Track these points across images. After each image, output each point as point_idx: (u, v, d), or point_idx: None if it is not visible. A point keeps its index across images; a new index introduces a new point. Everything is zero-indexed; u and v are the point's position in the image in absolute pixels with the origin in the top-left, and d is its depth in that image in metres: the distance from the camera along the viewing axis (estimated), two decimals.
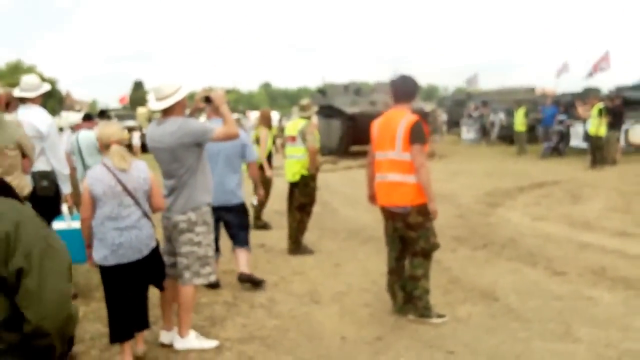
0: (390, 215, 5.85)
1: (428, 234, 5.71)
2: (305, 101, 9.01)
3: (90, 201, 4.71)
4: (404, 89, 5.88)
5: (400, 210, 5.68)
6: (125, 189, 4.64)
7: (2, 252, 2.06)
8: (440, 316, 5.77)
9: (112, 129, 4.81)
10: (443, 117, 22.51)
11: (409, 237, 5.75)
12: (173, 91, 5.06)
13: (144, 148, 28.71)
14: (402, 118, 5.66)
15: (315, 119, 12.74)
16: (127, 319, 4.85)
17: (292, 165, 8.61)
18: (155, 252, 4.89)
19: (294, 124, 8.87)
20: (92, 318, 6.01)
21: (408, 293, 5.85)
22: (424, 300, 5.77)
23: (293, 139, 8.60)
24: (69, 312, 2.18)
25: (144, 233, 4.72)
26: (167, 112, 5.10)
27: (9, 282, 2.07)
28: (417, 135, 5.53)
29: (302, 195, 8.61)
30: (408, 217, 5.65)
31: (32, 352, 2.13)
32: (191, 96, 5.74)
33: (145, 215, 4.75)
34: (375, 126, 5.98)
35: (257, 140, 10.40)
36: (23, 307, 2.08)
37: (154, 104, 5.10)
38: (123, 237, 4.65)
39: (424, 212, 5.64)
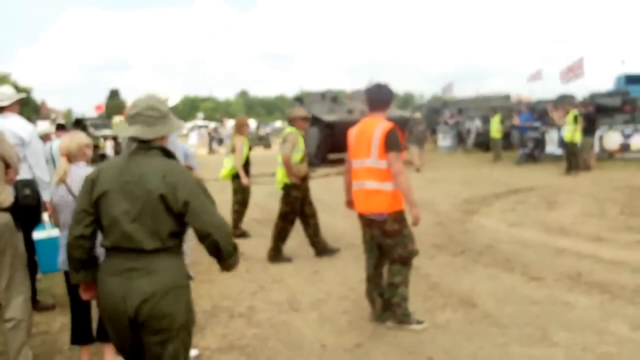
0: (367, 222, 5.86)
1: (405, 241, 5.72)
2: (296, 110, 9.02)
3: (54, 209, 4.88)
4: (378, 97, 5.91)
5: (377, 217, 5.68)
6: (74, 197, 4.65)
7: (171, 193, 3.09)
8: (419, 322, 5.79)
9: (64, 140, 4.90)
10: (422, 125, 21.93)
11: (386, 245, 5.77)
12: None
13: None
14: (377, 126, 5.69)
15: None
16: (83, 323, 4.93)
17: (277, 172, 8.67)
18: None
19: (283, 132, 8.91)
20: (69, 329, 5.95)
21: (387, 300, 5.86)
22: (403, 307, 5.78)
23: (281, 145, 8.67)
24: (223, 222, 3.17)
25: None
26: None
27: (176, 211, 3.11)
28: (392, 143, 5.56)
29: (284, 204, 8.63)
30: (384, 224, 5.66)
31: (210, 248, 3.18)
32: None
33: None
34: (352, 134, 6.00)
35: (234, 149, 10.40)
36: (192, 222, 3.13)
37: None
38: None
39: (400, 219, 5.67)
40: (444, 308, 6.35)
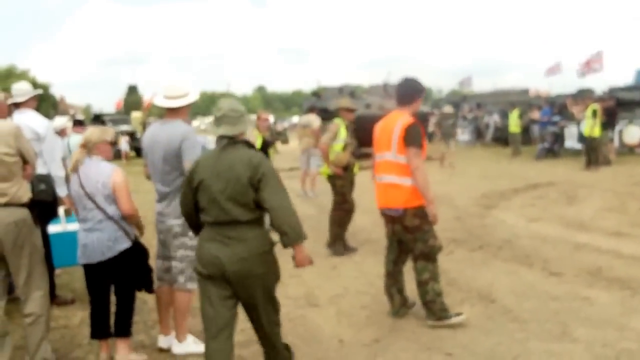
0: (388, 217, 5.82)
1: (426, 237, 5.65)
2: (341, 101, 9.14)
3: (72, 202, 5.00)
4: (403, 92, 5.86)
5: (393, 212, 5.66)
6: (85, 192, 4.72)
7: (254, 173, 3.84)
8: (458, 314, 5.74)
9: (90, 132, 4.93)
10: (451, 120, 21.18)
11: (407, 240, 5.73)
12: (183, 94, 5.14)
13: (137, 152, 28.84)
14: (398, 120, 5.65)
15: (317, 122, 12.71)
16: (101, 318, 4.94)
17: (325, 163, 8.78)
18: (125, 255, 4.83)
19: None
20: (89, 323, 5.94)
21: (421, 300, 5.79)
22: (438, 303, 5.70)
23: None
24: (286, 203, 3.87)
25: (105, 235, 4.73)
26: (173, 113, 5.15)
27: (255, 186, 3.83)
28: (411, 138, 5.50)
29: (334, 194, 8.77)
30: (404, 219, 5.62)
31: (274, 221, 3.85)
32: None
33: (110, 218, 4.75)
34: (377, 128, 5.98)
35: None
36: (260, 192, 3.84)
37: (162, 101, 5.17)
38: (88, 238, 4.75)
39: (421, 215, 5.59)
40: (462, 303, 6.32)
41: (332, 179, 8.67)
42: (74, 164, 4.79)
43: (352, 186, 8.82)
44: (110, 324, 4.97)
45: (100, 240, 4.72)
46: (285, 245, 3.88)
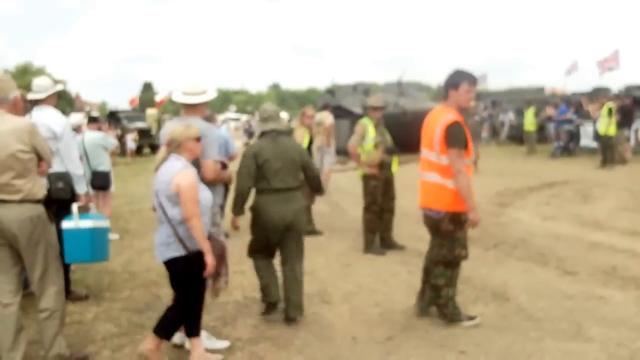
0: (424, 217, 5.68)
1: (454, 245, 5.49)
2: (369, 100, 8.97)
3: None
4: (445, 85, 5.56)
5: (434, 214, 5.48)
6: (155, 189, 4.66)
7: (300, 157, 5.80)
8: (471, 318, 5.65)
9: (175, 129, 4.75)
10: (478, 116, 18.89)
11: (434, 241, 5.64)
12: (201, 91, 5.18)
13: (153, 149, 28.90)
14: (440, 118, 5.39)
15: (330, 119, 12.64)
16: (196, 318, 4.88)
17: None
18: (176, 264, 4.66)
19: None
20: (103, 318, 6.03)
21: (434, 300, 5.75)
22: (450, 306, 5.62)
23: None
24: (318, 173, 6.10)
25: (159, 238, 4.67)
26: (191, 110, 5.18)
27: (302, 166, 5.82)
28: (452, 138, 5.25)
29: (364, 195, 8.61)
30: (441, 222, 5.45)
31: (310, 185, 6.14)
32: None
33: (167, 221, 4.59)
34: (424, 122, 5.67)
35: None
36: (306, 171, 5.92)
37: (181, 97, 5.16)
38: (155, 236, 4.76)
39: (457, 221, 5.41)
40: (476, 302, 6.30)
41: (365, 178, 8.52)
42: (157, 163, 4.70)
43: (389, 185, 8.69)
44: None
45: (156, 242, 4.71)
46: (320, 193, 6.61)
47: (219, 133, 6.64)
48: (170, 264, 4.67)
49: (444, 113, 5.41)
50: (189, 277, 4.69)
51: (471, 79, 5.51)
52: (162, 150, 4.78)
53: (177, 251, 4.61)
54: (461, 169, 5.24)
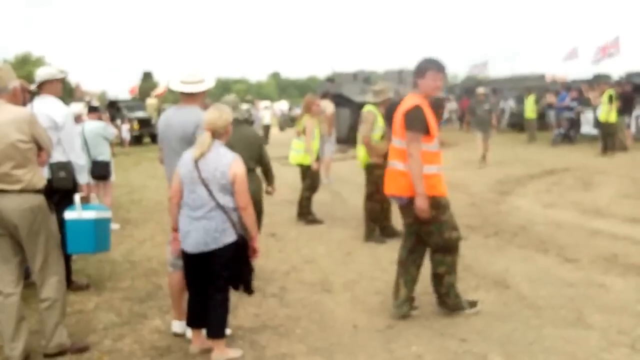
0: (400, 207, 5.65)
1: (442, 228, 5.40)
2: (379, 86, 8.70)
3: (179, 182, 4.74)
4: (414, 73, 5.60)
5: (398, 200, 5.52)
6: (200, 177, 4.58)
7: (258, 145, 6.84)
8: (472, 305, 5.65)
9: (213, 114, 4.69)
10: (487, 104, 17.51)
11: (422, 232, 5.53)
12: (199, 79, 5.14)
13: (154, 139, 28.83)
14: (405, 105, 5.45)
15: (331, 108, 12.57)
16: (198, 308, 4.84)
17: (359, 151, 8.67)
18: (229, 249, 4.66)
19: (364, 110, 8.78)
20: (104, 308, 6.04)
21: (435, 291, 5.67)
22: (452, 295, 5.57)
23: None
24: (269, 160, 7.07)
25: (212, 225, 4.59)
26: (189, 99, 5.15)
27: (259, 156, 6.84)
28: (409, 122, 5.28)
29: (368, 183, 8.52)
30: (409, 208, 5.38)
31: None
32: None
33: (220, 207, 4.60)
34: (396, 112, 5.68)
35: (304, 130, 10.00)
36: (262, 160, 6.90)
37: (179, 86, 5.11)
38: (192, 225, 4.63)
39: (435, 206, 5.31)
40: (477, 289, 6.31)
41: (370, 168, 8.44)
42: (203, 151, 4.60)
43: None
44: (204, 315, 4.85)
45: (206, 230, 4.60)
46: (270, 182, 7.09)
47: None
48: (224, 250, 4.65)
49: (409, 100, 5.46)
50: (240, 261, 4.75)
51: (438, 67, 5.51)
52: (205, 138, 4.65)
53: (231, 236, 4.64)
54: (413, 153, 5.21)
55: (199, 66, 5.71)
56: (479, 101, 17.70)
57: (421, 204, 5.21)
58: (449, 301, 5.60)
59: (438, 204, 5.35)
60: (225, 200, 4.61)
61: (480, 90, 18.69)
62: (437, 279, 5.59)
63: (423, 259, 5.71)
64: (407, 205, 5.42)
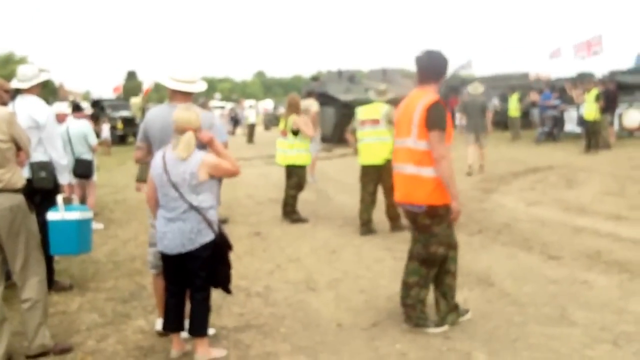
0: (404, 211, 5.34)
1: (430, 241, 5.07)
2: (383, 86, 9.39)
3: (153, 186, 4.70)
4: (428, 66, 5.11)
5: (415, 209, 5.05)
6: (169, 180, 4.53)
7: None
8: (438, 325, 5.20)
9: (190, 114, 4.58)
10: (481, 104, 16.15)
11: (412, 236, 5.31)
12: (191, 79, 5.03)
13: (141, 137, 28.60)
14: (421, 99, 4.96)
15: (316, 106, 12.59)
16: (175, 310, 4.80)
17: (375, 148, 8.74)
18: (206, 249, 4.62)
19: (372, 108, 8.95)
20: (87, 309, 6.01)
21: (401, 300, 5.31)
22: (418, 310, 5.21)
23: (374, 122, 8.75)
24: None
25: (187, 226, 4.54)
26: (181, 98, 5.00)
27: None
28: (435, 119, 4.82)
29: (389, 178, 8.11)
30: (417, 216, 5.09)
31: None
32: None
33: (194, 208, 4.57)
34: (398, 110, 5.35)
35: (295, 131, 9.92)
36: None
37: (173, 84, 4.97)
38: (168, 227, 4.59)
39: (433, 215, 5.00)
40: (461, 287, 6.29)
41: (389, 163, 8.44)
42: (191, 151, 4.52)
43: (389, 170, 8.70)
44: (184, 318, 4.84)
45: (182, 232, 4.55)
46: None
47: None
48: (201, 250, 4.60)
49: (423, 95, 5.02)
50: (218, 260, 4.73)
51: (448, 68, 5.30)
52: (191, 137, 4.55)
53: (208, 235, 4.62)
54: (444, 154, 4.81)
55: (193, 65, 5.57)
56: (473, 99, 16.21)
57: (457, 208, 4.99)
58: (412, 314, 5.22)
59: (437, 215, 5.03)
60: (199, 200, 4.57)
61: (475, 86, 16.91)
62: (406, 288, 5.25)
63: (450, 264, 5.32)
64: (420, 213, 5.05)
